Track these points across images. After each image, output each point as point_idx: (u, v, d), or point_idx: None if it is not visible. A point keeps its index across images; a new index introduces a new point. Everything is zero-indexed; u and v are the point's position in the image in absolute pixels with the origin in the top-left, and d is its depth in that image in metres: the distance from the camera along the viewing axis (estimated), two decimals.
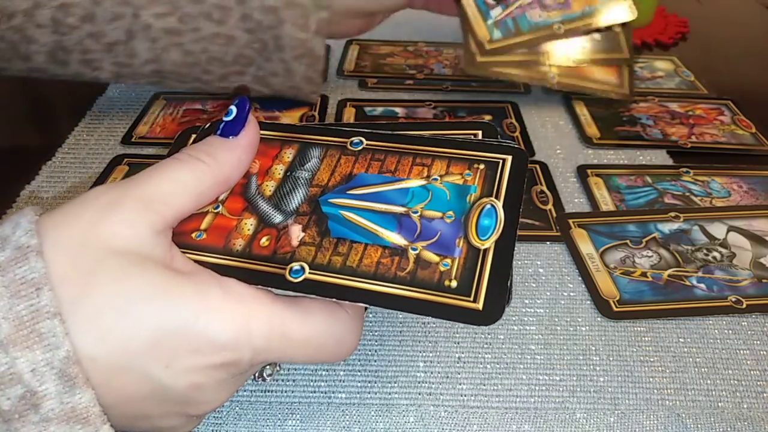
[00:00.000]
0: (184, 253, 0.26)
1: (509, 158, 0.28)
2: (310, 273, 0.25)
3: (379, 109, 0.56)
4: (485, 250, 0.25)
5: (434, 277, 0.25)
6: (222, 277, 0.24)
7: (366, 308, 0.36)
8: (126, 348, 0.22)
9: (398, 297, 0.24)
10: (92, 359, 0.21)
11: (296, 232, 0.27)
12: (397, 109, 0.56)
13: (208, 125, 0.34)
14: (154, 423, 0.25)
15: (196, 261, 0.26)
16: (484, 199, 0.27)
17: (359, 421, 0.32)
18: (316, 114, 0.55)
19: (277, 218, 0.27)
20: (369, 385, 0.33)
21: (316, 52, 0.47)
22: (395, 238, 0.26)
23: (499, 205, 0.27)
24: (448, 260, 0.25)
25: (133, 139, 0.52)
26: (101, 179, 0.47)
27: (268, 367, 0.29)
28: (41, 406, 0.21)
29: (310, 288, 0.25)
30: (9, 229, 0.22)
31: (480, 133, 0.30)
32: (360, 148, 0.29)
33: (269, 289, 0.25)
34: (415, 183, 0.28)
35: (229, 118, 0.27)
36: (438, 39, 0.70)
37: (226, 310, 0.23)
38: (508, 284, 0.24)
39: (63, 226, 0.23)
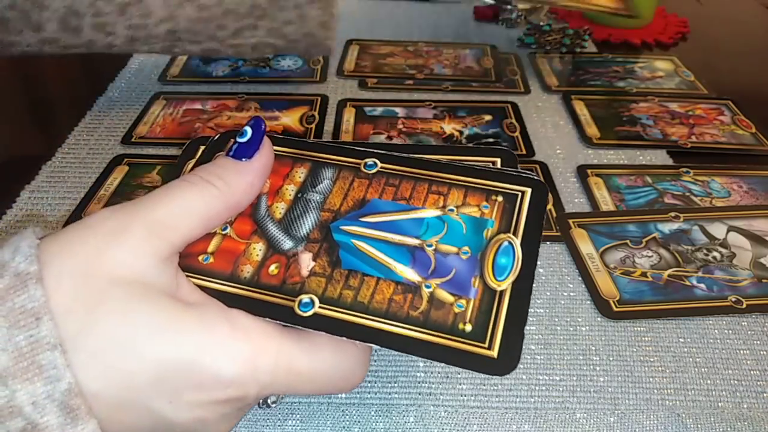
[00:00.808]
0: (190, 277, 0.25)
1: (528, 191, 0.27)
2: (320, 307, 0.24)
3: (379, 109, 0.56)
4: (501, 292, 0.24)
5: (448, 319, 0.24)
6: (229, 309, 0.24)
7: None
8: (129, 383, 0.21)
9: (410, 339, 0.23)
10: (94, 394, 0.21)
11: (306, 261, 0.26)
12: (397, 109, 0.56)
13: (218, 136, 0.32)
14: None
15: (202, 287, 0.25)
16: (502, 236, 0.26)
17: (359, 422, 0.32)
18: (316, 114, 0.55)
19: (287, 244, 0.26)
20: (369, 385, 0.33)
21: None
22: (408, 273, 0.25)
23: (517, 242, 0.26)
24: (463, 301, 0.24)
25: (133, 139, 0.52)
26: (101, 179, 0.47)
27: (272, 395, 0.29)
28: None
29: (319, 324, 0.24)
30: (8, 254, 0.21)
31: (499, 161, 0.29)
32: (374, 171, 0.28)
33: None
34: (430, 213, 0.27)
35: (244, 140, 0.26)
36: (438, 39, 0.70)
37: (233, 346, 0.22)
38: (524, 330, 0.23)
39: (66, 254, 0.22)
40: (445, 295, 0.25)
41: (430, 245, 0.26)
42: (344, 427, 0.32)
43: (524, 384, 0.34)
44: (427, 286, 0.25)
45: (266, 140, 0.27)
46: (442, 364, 0.25)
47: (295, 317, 0.24)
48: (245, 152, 0.26)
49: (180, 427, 0.22)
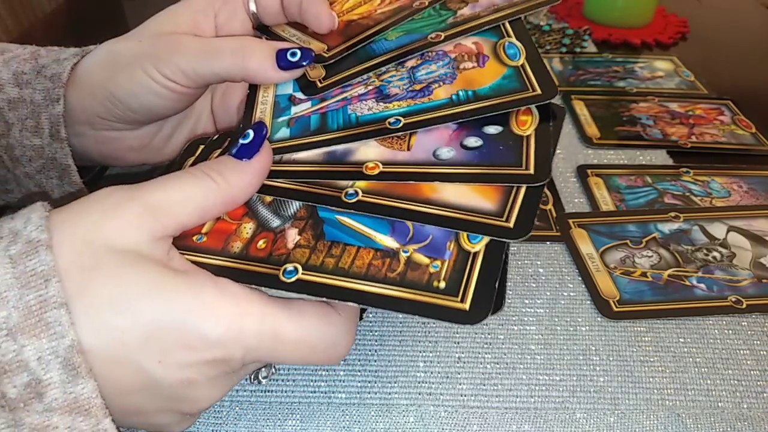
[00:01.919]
0: (182, 253, 0.26)
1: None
2: (303, 274, 0.25)
3: None
4: (475, 254, 0.26)
5: (423, 278, 0.25)
6: (217, 277, 0.25)
7: (362, 316, 0.36)
8: (121, 341, 0.22)
9: (387, 297, 0.25)
10: (89, 351, 0.22)
11: (292, 236, 0.27)
12: None
13: (216, 137, 0.34)
14: (148, 419, 0.25)
15: (193, 262, 0.26)
16: None
17: (359, 421, 0.32)
18: None
19: (275, 222, 0.28)
20: (369, 385, 0.33)
21: (61, 162, 0.36)
22: (387, 241, 0.27)
23: None
24: (438, 262, 0.25)
25: None
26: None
27: (263, 369, 0.29)
28: (45, 395, 0.21)
29: (302, 288, 0.25)
30: (20, 223, 0.23)
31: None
32: (354, 200, 0.28)
33: (263, 290, 0.26)
34: None
35: (246, 141, 0.28)
36: None
37: (220, 307, 0.24)
38: (496, 286, 0.24)
39: (69, 223, 0.23)
40: (421, 258, 0.26)
41: None
42: (344, 427, 0.32)
43: (524, 384, 0.34)
44: (405, 251, 0.26)
45: (266, 144, 0.28)
46: (424, 319, 0.26)
47: (279, 283, 0.25)
48: (246, 153, 0.27)
49: (169, 388, 0.23)
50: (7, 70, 0.36)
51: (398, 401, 0.33)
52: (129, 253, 0.23)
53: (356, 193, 0.28)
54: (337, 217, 0.28)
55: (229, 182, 0.26)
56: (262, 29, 0.37)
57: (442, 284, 0.25)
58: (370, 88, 0.33)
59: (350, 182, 0.29)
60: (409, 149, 0.30)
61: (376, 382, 0.34)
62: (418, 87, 0.32)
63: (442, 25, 0.34)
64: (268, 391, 0.33)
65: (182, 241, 0.27)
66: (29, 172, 0.37)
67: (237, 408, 0.32)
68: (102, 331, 0.22)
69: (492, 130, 0.30)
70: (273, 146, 0.30)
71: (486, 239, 0.26)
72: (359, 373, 0.34)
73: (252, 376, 0.29)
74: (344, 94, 0.33)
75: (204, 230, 0.28)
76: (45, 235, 0.23)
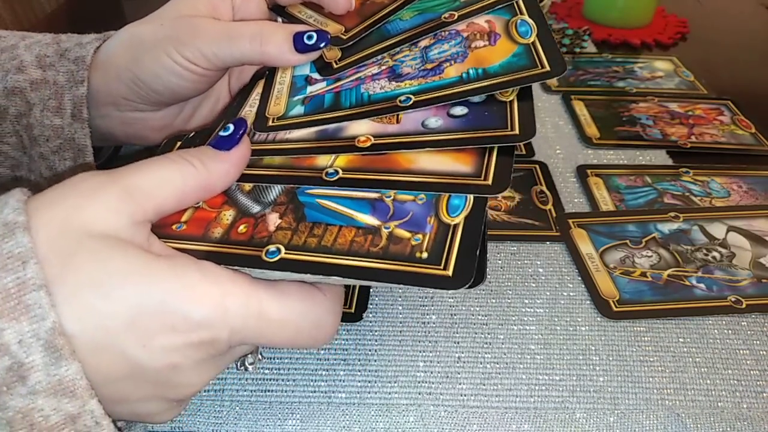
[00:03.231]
0: (163, 242, 0.26)
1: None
2: (285, 253, 0.26)
3: None
4: (455, 225, 0.26)
5: (406, 250, 0.25)
6: (200, 261, 0.25)
7: (361, 316, 0.36)
8: (103, 326, 0.22)
9: (371, 269, 0.25)
10: (72, 337, 0.22)
11: (273, 220, 0.27)
12: None
13: (192, 134, 0.35)
14: (134, 408, 0.25)
15: (175, 248, 0.26)
16: None
17: (359, 421, 0.32)
18: None
19: (255, 209, 0.28)
20: (369, 385, 0.33)
21: (79, 142, 0.37)
22: (369, 219, 0.27)
23: None
24: (420, 235, 0.26)
25: None
26: None
27: (249, 356, 0.29)
28: (28, 378, 0.21)
29: (285, 266, 0.25)
30: None
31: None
32: (335, 178, 0.29)
33: (247, 272, 0.25)
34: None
35: (225, 134, 0.28)
36: None
37: (203, 289, 0.23)
38: (477, 254, 0.25)
39: (46, 208, 0.23)
40: (402, 233, 0.26)
41: (389, 196, 0.28)
42: (344, 427, 0.32)
43: (524, 384, 0.34)
44: (386, 228, 0.26)
45: (245, 138, 0.29)
46: (406, 286, 0.26)
47: (262, 263, 0.25)
48: (224, 144, 0.28)
49: (154, 373, 0.23)
50: (29, 53, 0.36)
51: (398, 401, 0.33)
52: (108, 237, 0.23)
53: (336, 172, 0.29)
54: (317, 200, 0.28)
55: (208, 168, 0.27)
56: (278, 10, 0.38)
57: (425, 255, 0.25)
58: (384, 67, 0.34)
59: (329, 162, 0.29)
60: (398, 122, 0.31)
61: (376, 382, 0.34)
62: (429, 66, 0.33)
63: (456, 4, 0.35)
64: (268, 391, 0.33)
65: (162, 230, 0.27)
66: (44, 153, 0.37)
67: (237, 408, 0.32)
68: (84, 316, 0.22)
69: (476, 99, 0.31)
70: (288, 122, 0.32)
71: (464, 213, 0.27)
72: (359, 373, 0.34)
73: (239, 363, 0.29)
74: (358, 74, 0.34)
75: (183, 219, 0.28)
76: (22, 218, 0.22)
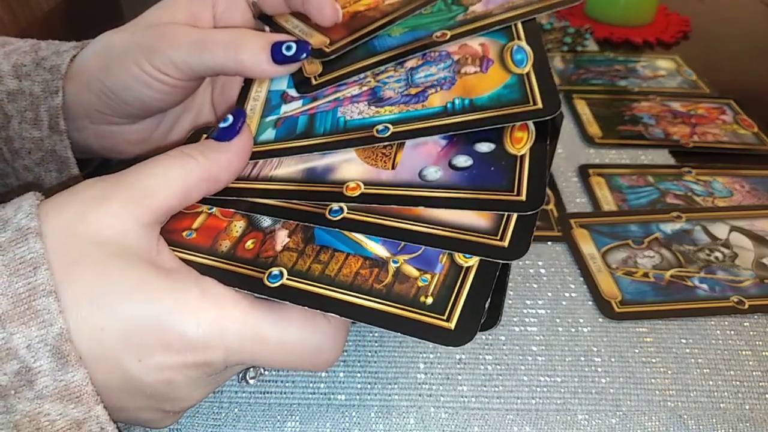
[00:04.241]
0: (171, 249, 0.26)
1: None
2: (287, 279, 0.25)
3: None
4: (468, 268, 0.24)
5: (410, 291, 0.24)
6: (202, 277, 0.25)
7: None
8: (99, 338, 0.22)
9: (370, 310, 0.24)
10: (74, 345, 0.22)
11: (281, 237, 0.27)
12: None
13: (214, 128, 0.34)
14: (131, 415, 0.25)
15: (181, 258, 0.26)
16: None
17: (359, 423, 0.32)
18: None
19: (266, 222, 0.27)
20: (369, 386, 0.33)
21: (60, 154, 0.36)
22: (378, 249, 0.26)
23: None
24: (428, 276, 0.24)
25: None
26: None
27: (251, 369, 0.29)
28: (36, 382, 0.21)
29: (285, 294, 0.24)
30: (11, 212, 0.23)
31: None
32: (339, 217, 0.27)
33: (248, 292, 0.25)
34: None
35: (225, 125, 0.28)
36: None
37: (201, 309, 0.23)
38: (486, 306, 0.23)
39: (53, 215, 0.23)
40: (410, 270, 0.25)
41: None
42: (344, 429, 0.31)
43: (525, 385, 0.33)
44: (395, 261, 0.25)
45: (246, 126, 0.28)
46: (407, 337, 0.24)
47: (263, 288, 0.25)
48: (225, 135, 0.28)
49: (149, 387, 0.23)
50: (7, 62, 0.35)
51: (398, 403, 0.33)
52: (114, 246, 0.23)
53: (341, 209, 0.27)
54: None
55: (209, 159, 0.26)
56: (264, 19, 0.36)
57: (429, 300, 0.24)
58: (365, 89, 0.31)
59: None
60: (393, 167, 0.28)
61: (376, 384, 0.33)
62: (413, 91, 0.31)
63: (450, 23, 0.33)
64: (268, 393, 0.33)
65: (172, 236, 0.27)
66: (28, 165, 0.37)
67: (236, 409, 0.32)
68: (81, 327, 0.22)
69: (484, 147, 0.28)
70: (255, 149, 0.30)
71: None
72: (359, 375, 0.34)
73: (240, 376, 0.29)
74: (337, 94, 0.32)
75: (195, 225, 0.27)
76: (35, 223, 0.22)
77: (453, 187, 0.27)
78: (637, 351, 0.35)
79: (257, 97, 0.33)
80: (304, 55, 0.31)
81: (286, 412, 0.32)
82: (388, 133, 0.29)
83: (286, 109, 0.32)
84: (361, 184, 0.27)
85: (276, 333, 0.24)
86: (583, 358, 0.35)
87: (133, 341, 0.22)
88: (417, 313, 0.23)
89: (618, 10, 0.73)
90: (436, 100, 0.30)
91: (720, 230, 0.43)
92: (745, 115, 0.57)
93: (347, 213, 0.27)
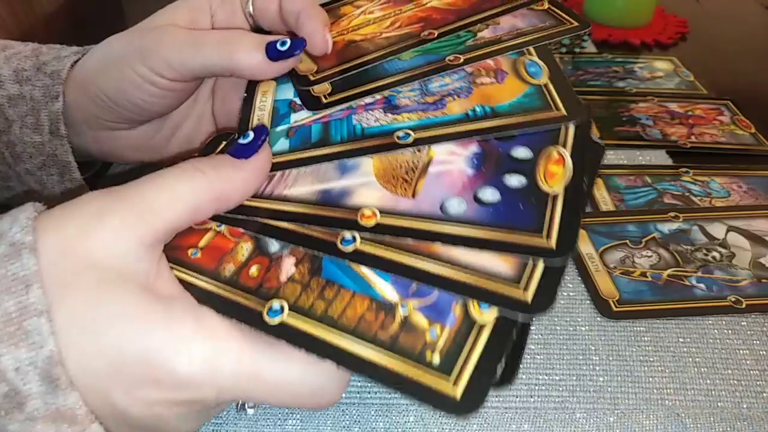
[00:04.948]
0: (173, 269, 0.25)
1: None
2: (288, 315, 0.23)
3: None
4: (482, 327, 0.22)
5: (417, 346, 0.22)
6: (199, 307, 0.23)
7: None
8: (86, 367, 0.21)
9: (371, 363, 0.22)
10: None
11: (287, 266, 0.25)
12: None
13: (235, 136, 0.33)
14: None
15: (181, 279, 0.25)
16: None
17: (359, 421, 0.32)
18: None
19: (273, 246, 0.26)
20: (369, 385, 0.33)
21: (61, 158, 0.36)
22: (387, 290, 0.24)
23: None
24: (438, 328, 0.22)
25: None
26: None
27: None
28: (26, 405, 0.20)
29: (283, 333, 0.23)
30: (7, 225, 0.22)
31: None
32: (351, 247, 0.25)
33: None
34: None
35: (245, 141, 0.27)
36: None
37: (194, 344, 0.22)
38: (498, 374, 0.21)
39: (52, 230, 0.22)
40: (419, 320, 0.23)
41: None
42: (344, 427, 0.32)
43: (524, 384, 0.34)
44: (403, 307, 0.23)
45: (266, 146, 0.27)
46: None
47: (261, 323, 0.23)
48: (243, 152, 0.26)
49: (136, 420, 0.22)
50: (8, 66, 0.35)
51: (398, 401, 0.33)
52: (109, 269, 0.22)
53: (353, 239, 0.25)
54: None
55: (221, 176, 0.25)
56: (260, 33, 0.35)
57: (436, 358, 0.22)
58: (378, 97, 0.31)
59: None
60: (414, 196, 0.26)
61: None
62: (430, 99, 0.29)
63: (461, 47, 0.32)
64: None
65: (177, 253, 0.25)
66: (30, 169, 0.36)
67: (242, 412, 0.32)
68: (68, 354, 0.21)
69: (514, 182, 0.26)
70: (273, 160, 0.28)
71: (497, 312, 0.22)
72: None
73: (238, 406, 0.28)
74: (349, 102, 0.31)
75: (201, 244, 0.26)
76: (30, 237, 0.21)
77: (476, 223, 0.24)
78: (634, 350, 0.35)
79: (263, 107, 0.32)
80: (299, 50, 0.31)
81: (286, 410, 0.32)
82: (410, 140, 0.27)
83: (296, 118, 0.31)
84: (377, 212, 0.25)
85: (274, 372, 0.23)
86: (581, 357, 0.35)
87: (120, 373, 0.21)
88: (421, 372, 0.21)
89: (616, 12, 0.74)
90: (456, 108, 0.29)
91: (717, 230, 0.43)
92: (743, 115, 0.57)
93: (359, 244, 0.25)
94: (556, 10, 0.33)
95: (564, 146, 0.27)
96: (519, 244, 0.23)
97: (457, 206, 0.25)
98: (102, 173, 0.44)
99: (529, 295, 0.22)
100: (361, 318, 0.23)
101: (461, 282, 0.23)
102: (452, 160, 0.27)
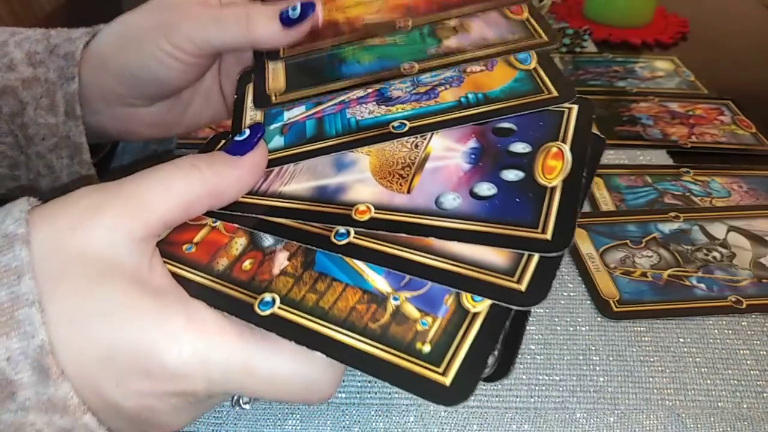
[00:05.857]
0: (166, 263, 0.25)
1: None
2: (279, 307, 0.23)
3: None
4: (475, 314, 0.22)
5: (407, 336, 0.22)
6: (191, 300, 0.23)
7: None
8: (77, 360, 0.21)
9: (360, 353, 0.22)
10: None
11: (280, 260, 0.25)
12: None
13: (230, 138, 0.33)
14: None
15: (175, 274, 0.25)
16: None
17: (359, 421, 0.32)
18: None
19: (267, 241, 0.26)
20: (369, 385, 0.33)
21: (74, 140, 0.37)
22: (379, 282, 0.24)
23: None
24: (429, 319, 0.22)
25: None
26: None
27: None
28: (18, 395, 0.20)
29: (273, 325, 0.23)
30: (0, 217, 0.22)
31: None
32: (345, 241, 0.25)
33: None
34: None
35: (240, 139, 0.27)
36: None
37: (184, 337, 0.22)
38: (488, 362, 0.21)
39: (45, 223, 0.22)
40: (410, 310, 0.23)
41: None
42: (344, 427, 0.32)
43: (524, 384, 0.34)
44: (395, 299, 0.23)
45: (262, 143, 0.27)
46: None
47: (252, 315, 0.23)
48: (239, 150, 0.26)
49: (128, 412, 0.22)
50: (19, 50, 0.36)
51: (398, 401, 0.33)
52: (101, 262, 0.22)
53: (347, 233, 0.25)
54: None
55: (216, 172, 0.25)
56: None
57: (427, 348, 0.21)
58: (370, 90, 0.30)
59: None
60: (409, 191, 0.26)
61: (376, 382, 0.34)
62: (422, 89, 0.30)
63: (420, 55, 0.32)
64: None
65: (172, 248, 0.25)
66: (41, 151, 0.37)
67: (237, 407, 0.32)
68: (58, 347, 0.21)
69: (511, 176, 0.25)
70: (269, 157, 0.28)
71: (490, 301, 0.22)
72: (359, 373, 0.34)
73: (233, 401, 0.28)
74: (341, 97, 0.30)
75: (195, 239, 0.26)
76: (23, 230, 0.21)
77: (470, 217, 0.24)
78: (635, 350, 0.35)
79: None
80: (311, 11, 0.33)
81: (286, 410, 0.32)
82: (406, 129, 0.28)
83: (290, 115, 0.31)
84: (372, 207, 0.25)
85: (265, 365, 0.22)
86: (581, 357, 0.35)
87: (110, 366, 0.21)
88: (411, 362, 0.21)
89: (616, 12, 0.74)
90: (449, 96, 0.29)
91: (718, 230, 0.43)
92: (743, 115, 0.57)
93: (353, 237, 0.25)
94: (533, 21, 0.33)
95: (564, 141, 0.27)
96: (514, 237, 0.23)
97: (452, 201, 0.25)
98: (110, 157, 0.44)
99: (523, 287, 0.22)
100: (352, 309, 0.23)
101: (455, 274, 0.23)
102: (450, 156, 0.27)
